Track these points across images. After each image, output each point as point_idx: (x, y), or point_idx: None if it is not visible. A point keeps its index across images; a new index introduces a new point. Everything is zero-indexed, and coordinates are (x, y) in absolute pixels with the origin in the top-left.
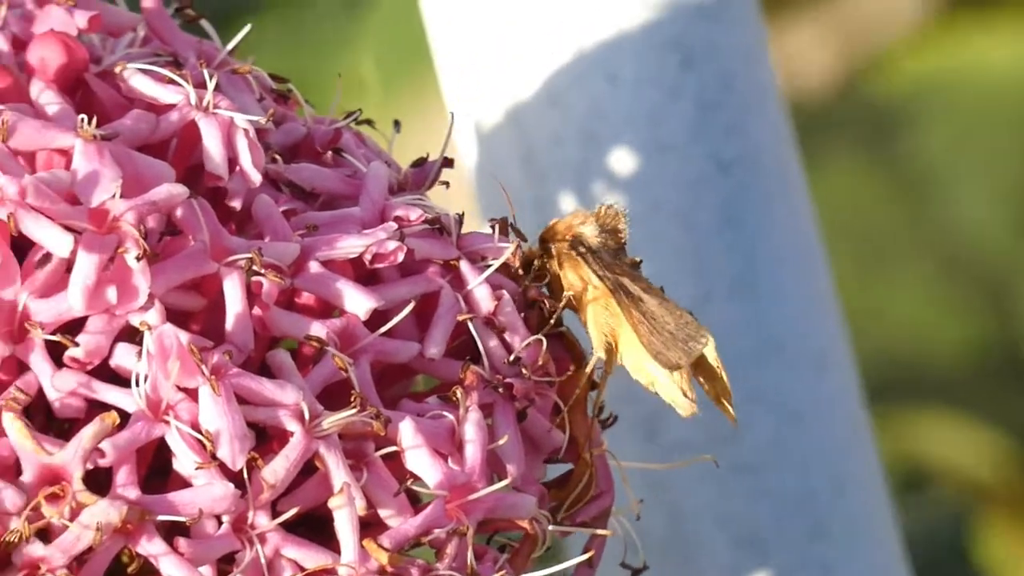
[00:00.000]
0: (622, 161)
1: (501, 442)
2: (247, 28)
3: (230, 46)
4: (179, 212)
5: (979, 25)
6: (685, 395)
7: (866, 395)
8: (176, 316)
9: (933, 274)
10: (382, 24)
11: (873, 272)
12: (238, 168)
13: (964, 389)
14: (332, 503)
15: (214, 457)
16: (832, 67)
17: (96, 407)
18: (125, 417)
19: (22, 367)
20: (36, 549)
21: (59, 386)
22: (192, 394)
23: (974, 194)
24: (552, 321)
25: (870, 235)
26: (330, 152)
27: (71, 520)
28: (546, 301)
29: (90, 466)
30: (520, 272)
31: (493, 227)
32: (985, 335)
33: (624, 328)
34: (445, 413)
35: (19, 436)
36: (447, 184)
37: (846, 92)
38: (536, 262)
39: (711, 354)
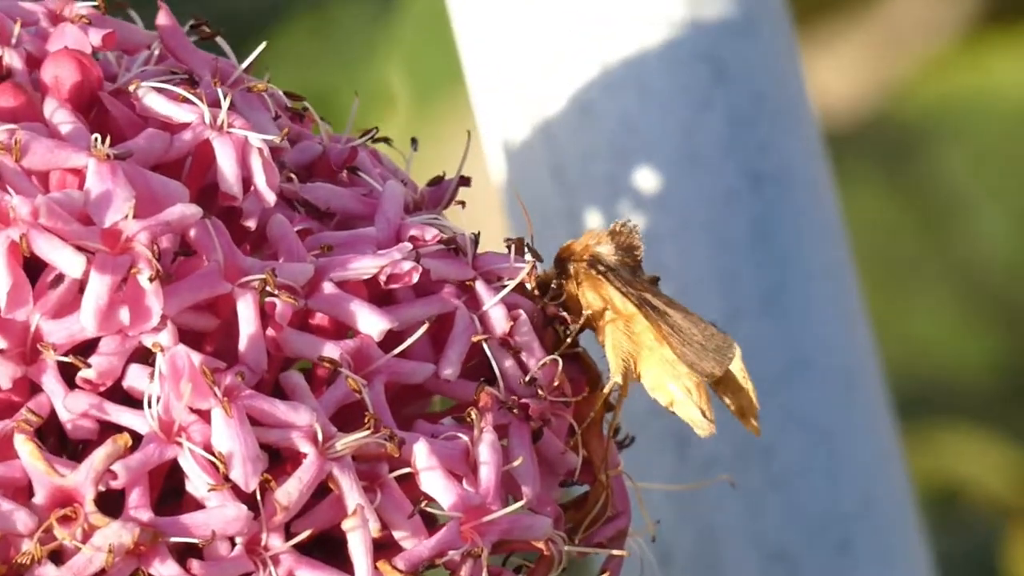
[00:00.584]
0: (653, 175)
1: (516, 463)
2: (262, 46)
3: (245, 64)
4: (193, 232)
5: (1002, 47)
6: (704, 415)
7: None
8: (189, 337)
9: (954, 295)
10: (412, 37)
11: (895, 293)
12: (252, 188)
13: (986, 408)
14: (346, 525)
15: (227, 479)
16: (856, 90)
17: (108, 429)
18: (138, 439)
19: (34, 388)
20: (48, 571)
21: (71, 407)
22: (205, 416)
23: (995, 216)
24: (568, 341)
25: (892, 256)
26: (346, 171)
27: (83, 542)
28: (563, 318)
29: (102, 488)
30: (536, 292)
31: (509, 247)
32: (1006, 355)
33: (645, 348)
34: (460, 434)
35: (31, 458)
36: (463, 204)
37: (869, 114)
38: (553, 282)
39: (737, 366)
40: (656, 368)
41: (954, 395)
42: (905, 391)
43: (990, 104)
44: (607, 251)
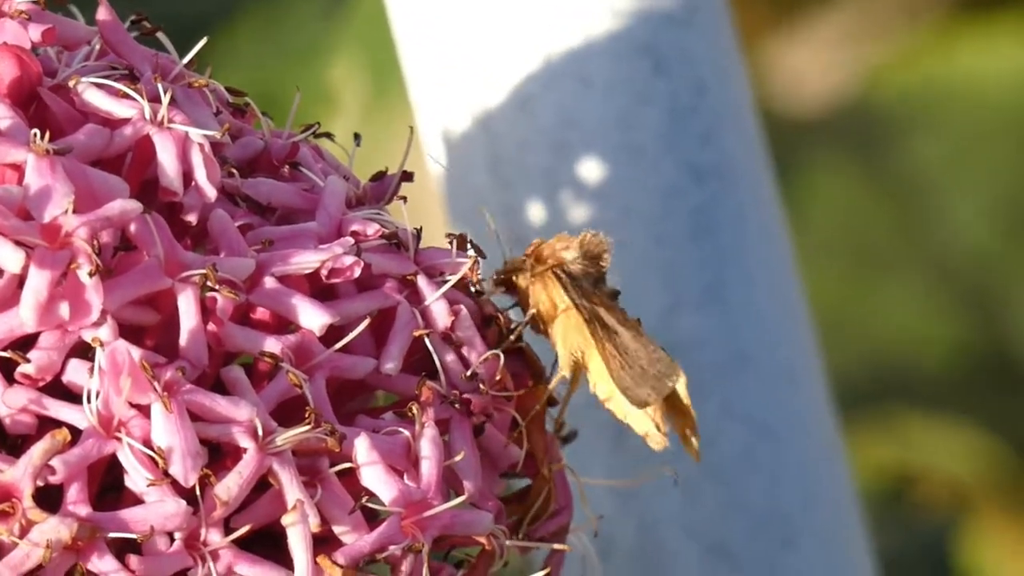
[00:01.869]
0: (592, 168)
1: (457, 458)
2: (203, 41)
3: (186, 59)
4: (133, 227)
5: (974, 36)
6: (658, 429)
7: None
8: (130, 332)
9: (924, 281)
10: (364, 32)
11: (865, 279)
12: (193, 183)
13: (954, 394)
14: (285, 520)
15: (166, 474)
16: (831, 76)
17: (47, 424)
18: (77, 434)
19: None
20: None
21: (10, 402)
22: (144, 411)
23: (965, 202)
24: (512, 337)
25: (862, 242)
26: (287, 166)
27: (21, 537)
28: (502, 317)
29: (41, 483)
30: (477, 288)
31: (451, 241)
32: (975, 341)
33: (595, 355)
34: (401, 429)
35: None
36: (404, 199)
37: (840, 101)
38: (506, 277)
39: (682, 391)
40: (608, 379)
41: (923, 382)
42: (874, 378)
43: (963, 93)
44: (572, 257)
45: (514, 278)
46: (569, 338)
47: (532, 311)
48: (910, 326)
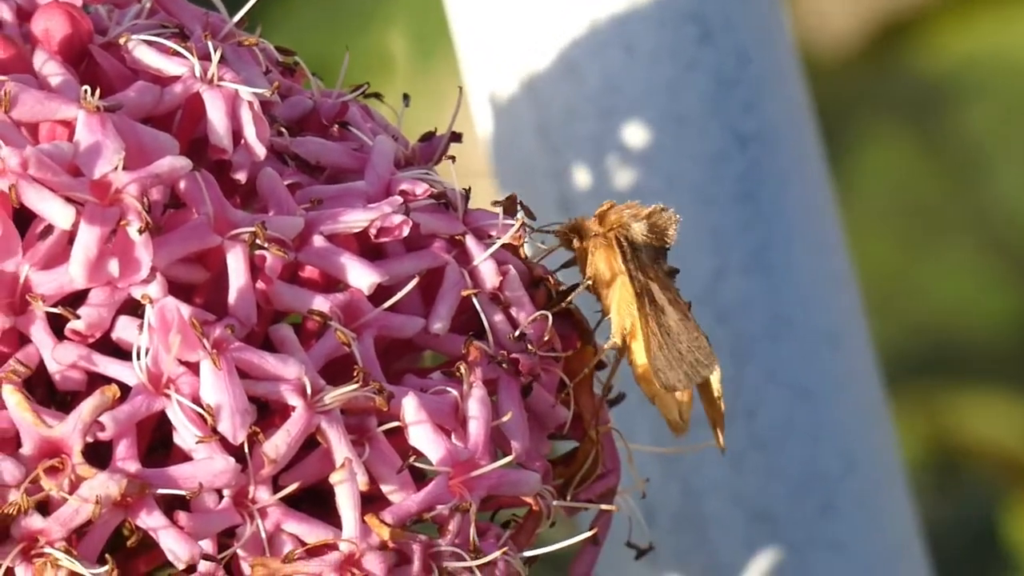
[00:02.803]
0: (638, 134)
1: (505, 418)
2: (252, 1)
3: (236, 18)
4: (182, 185)
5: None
6: (681, 416)
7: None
8: (179, 289)
9: (976, 250)
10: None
11: (917, 248)
12: (243, 141)
13: (1007, 365)
14: (333, 478)
15: (215, 431)
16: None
17: (97, 380)
18: (126, 390)
19: (23, 339)
20: (35, 522)
21: (60, 359)
22: (193, 368)
23: (1018, 171)
24: (560, 299)
25: (914, 211)
26: (336, 126)
27: (70, 493)
28: (551, 279)
29: (90, 439)
30: (524, 252)
31: (500, 204)
32: None
33: (639, 329)
34: (449, 389)
35: (18, 408)
36: (453, 159)
37: (888, 67)
38: (568, 233)
39: (715, 382)
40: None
41: (976, 353)
42: (927, 348)
43: (1015, 61)
44: (639, 228)
45: (574, 237)
46: (622, 307)
47: (588, 281)
48: (963, 296)
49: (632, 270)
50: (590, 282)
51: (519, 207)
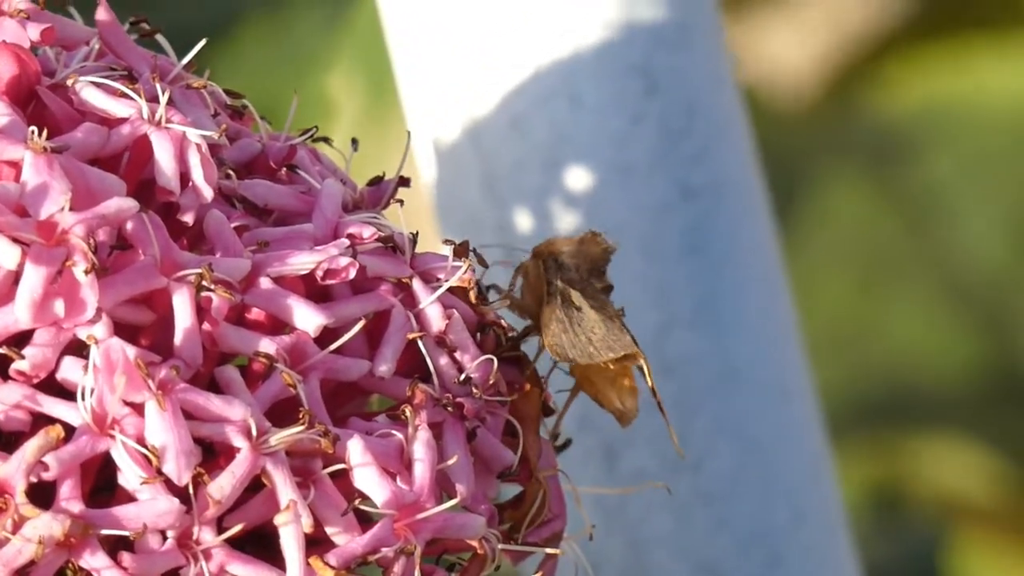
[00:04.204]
0: (584, 186)
1: (451, 462)
2: (201, 43)
3: (184, 61)
4: (129, 226)
5: (988, 53)
6: (623, 404)
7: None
8: (125, 330)
9: (934, 295)
10: (358, 44)
11: (875, 294)
12: (190, 183)
13: (963, 410)
14: (278, 520)
15: (160, 472)
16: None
17: (41, 421)
18: (71, 431)
19: None
20: None
21: (4, 399)
22: (139, 409)
23: (976, 216)
24: (511, 344)
25: (871, 256)
26: (284, 169)
27: (13, 533)
28: (501, 324)
29: (34, 479)
30: (475, 296)
31: (448, 244)
32: (985, 357)
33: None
34: (394, 432)
35: None
36: (401, 202)
37: (848, 111)
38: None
39: (646, 372)
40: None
41: (935, 399)
42: (886, 395)
43: (974, 105)
44: (568, 251)
45: (522, 273)
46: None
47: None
48: (921, 341)
49: (550, 278)
50: (514, 299)
51: (470, 252)
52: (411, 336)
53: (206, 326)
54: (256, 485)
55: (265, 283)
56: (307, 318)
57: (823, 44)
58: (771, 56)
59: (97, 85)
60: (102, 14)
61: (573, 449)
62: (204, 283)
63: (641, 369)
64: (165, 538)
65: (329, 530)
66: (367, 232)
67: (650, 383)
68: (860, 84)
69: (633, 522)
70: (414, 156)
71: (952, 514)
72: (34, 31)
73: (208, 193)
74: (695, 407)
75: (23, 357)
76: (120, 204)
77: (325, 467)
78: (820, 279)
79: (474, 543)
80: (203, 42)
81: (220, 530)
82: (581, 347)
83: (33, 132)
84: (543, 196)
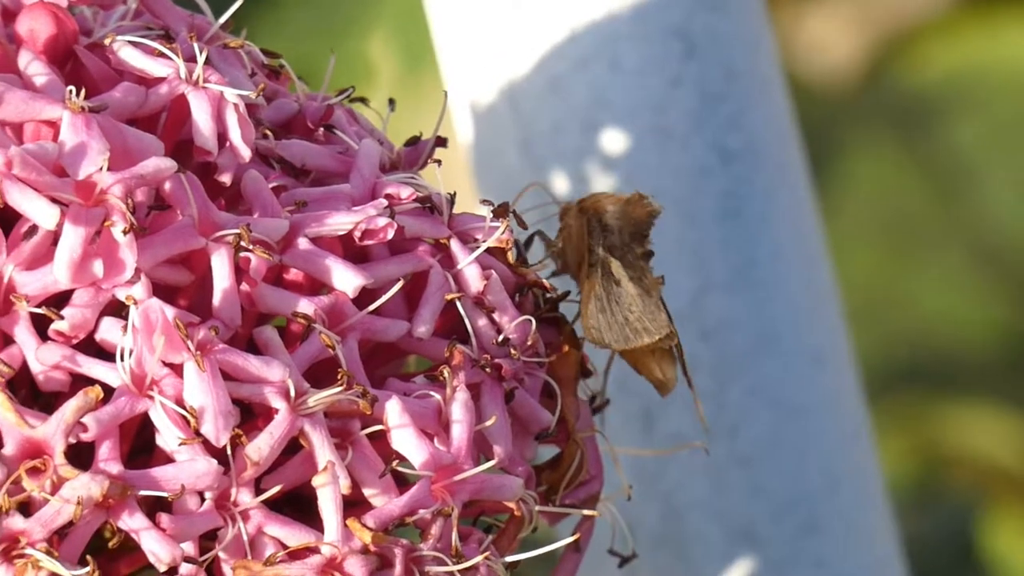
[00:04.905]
0: (622, 149)
1: (488, 423)
2: (239, 2)
3: (222, 20)
4: (167, 186)
5: (1014, 17)
6: (664, 374)
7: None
8: (163, 291)
9: (963, 263)
10: (396, 8)
11: (904, 261)
12: (228, 143)
13: (992, 377)
14: (316, 481)
15: (198, 433)
16: (858, 50)
17: (80, 381)
18: (109, 392)
19: (6, 340)
20: (16, 522)
21: (43, 359)
22: (177, 369)
23: (1005, 183)
24: (550, 306)
25: (901, 223)
26: (322, 129)
27: (52, 494)
28: (542, 283)
29: (73, 440)
30: (513, 257)
31: (486, 203)
32: (1015, 322)
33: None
34: (432, 393)
35: (1, 408)
36: (438, 163)
37: (878, 80)
38: (562, 223)
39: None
40: None
41: (962, 365)
42: (912, 361)
43: (1001, 72)
44: (612, 211)
45: (564, 224)
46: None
47: (558, 246)
48: (948, 308)
49: (592, 243)
50: (557, 248)
51: (511, 213)
52: (449, 297)
53: (244, 286)
54: (294, 446)
55: (303, 243)
56: (345, 278)
57: (859, 18)
58: (807, 29)
59: (134, 44)
60: None
61: (612, 412)
62: (242, 243)
63: (677, 349)
64: (203, 499)
65: (367, 491)
66: (405, 192)
67: (683, 365)
68: (891, 55)
69: (669, 486)
70: (451, 118)
71: (985, 481)
72: None
73: (246, 153)
74: (732, 372)
75: (62, 318)
76: (158, 164)
77: (363, 428)
78: (850, 247)
79: (511, 505)
80: (240, 1)
81: (258, 491)
82: (618, 329)
83: (71, 92)
84: (580, 158)
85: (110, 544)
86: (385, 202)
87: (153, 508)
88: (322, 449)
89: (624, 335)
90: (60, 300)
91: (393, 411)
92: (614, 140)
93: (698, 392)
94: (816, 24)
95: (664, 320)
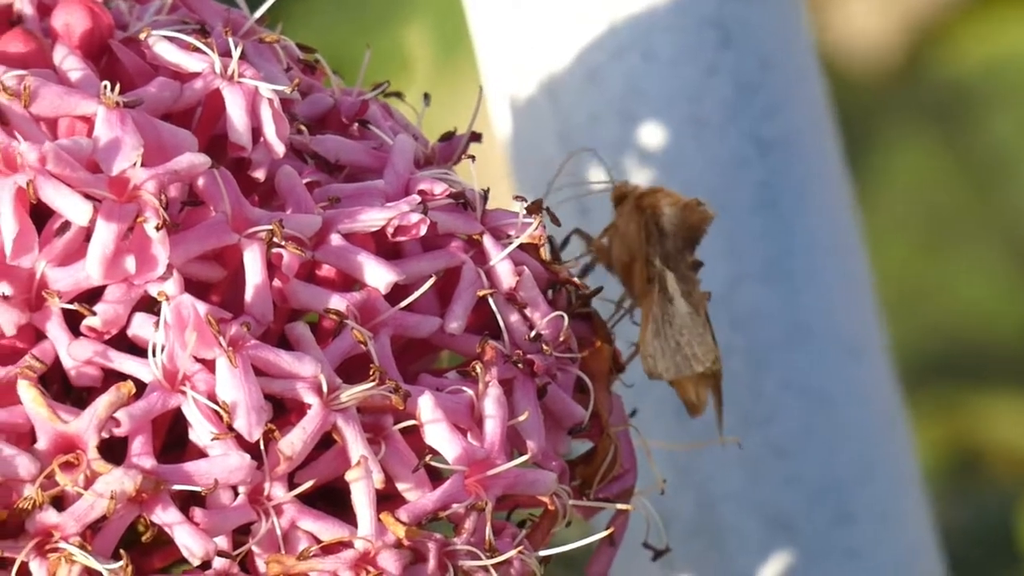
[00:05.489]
0: (658, 139)
1: (521, 418)
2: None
3: (257, 14)
4: (201, 182)
5: None
6: (698, 397)
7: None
8: (195, 287)
9: (998, 255)
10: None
11: (938, 252)
12: (262, 138)
13: None
14: (349, 476)
15: (231, 428)
16: (895, 39)
17: (112, 377)
18: (141, 387)
19: (39, 335)
20: (50, 516)
21: (75, 355)
22: (209, 365)
23: None
24: (582, 302)
25: (936, 215)
26: (356, 124)
27: (85, 488)
28: (574, 282)
29: (105, 435)
30: (546, 253)
31: (519, 200)
32: None
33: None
34: (464, 388)
35: (34, 404)
36: (472, 158)
37: (914, 70)
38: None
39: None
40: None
41: (996, 357)
42: (946, 353)
43: None
44: (670, 215)
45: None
46: (632, 277)
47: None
48: (984, 299)
49: (651, 253)
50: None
51: (544, 210)
52: (482, 293)
53: (277, 282)
54: (327, 441)
55: (336, 239)
56: (378, 274)
57: (895, 7)
58: (843, 18)
59: (170, 39)
60: None
61: (644, 403)
62: (275, 239)
63: (716, 375)
64: (236, 494)
65: (400, 486)
66: (438, 188)
67: (719, 391)
68: (928, 44)
69: (704, 478)
70: (487, 111)
71: (1018, 471)
72: None
73: (280, 149)
74: (766, 362)
75: (94, 313)
76: (192, 160)
77: (396, 423)
78: (884, 238)
79: (545, 499)
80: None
81: (291, 486)
82: (670, 355)
83: (106, 87)
84: (617, 149)
85: (143, 538)
86: (418, 198)
87: (186, 503)
88: (355, 444)
89: (675, 363)
90: (92, 296)
91: (426, 406)
92: (651, 130)
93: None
94: (853, 13)
95: (710, 343)
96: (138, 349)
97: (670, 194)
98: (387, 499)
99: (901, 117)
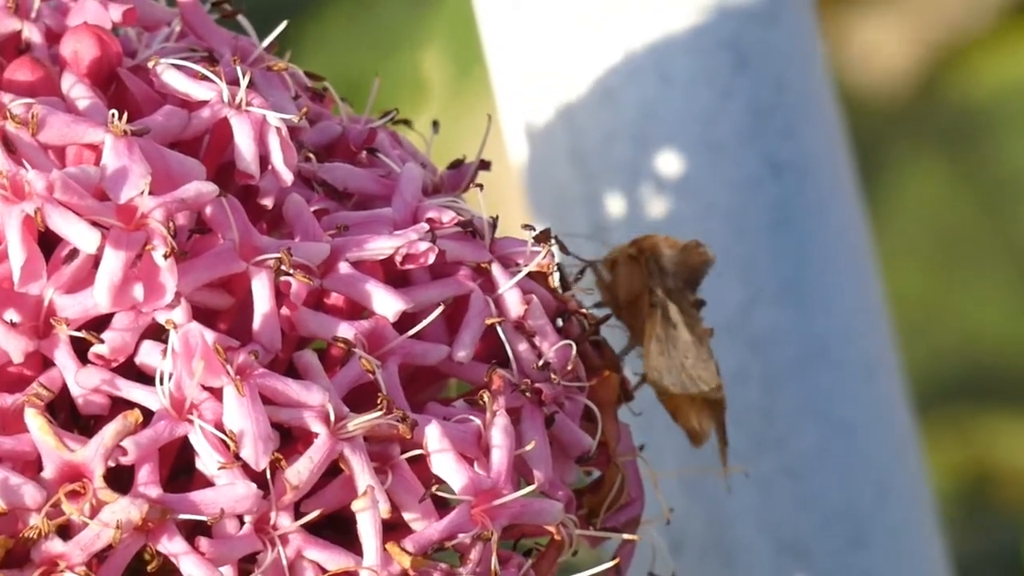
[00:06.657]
0: (674, 162)
1: (528, 448)
2: (282, 25)
3: (265, 43)
4: (208, 210)
5: None
6: (700, 426)
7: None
8: (203, 315)
9: (1011, 278)
10: (447, 23)
11: (952, 274)
12: (270, 166)
13: None
14: (356, 505)
15: (237, 457)
16: (910, 63)
17: (120, 405)
18: (149, 415)
19: (46, 363)
20: (55, 546)
21: (83, 383)
22: (217, 394)
23: None
24: (591, 331)
25: (950, 238)
26: (365, 152)
27: (91, 517)
28: (583, 312)
29: (112, 464)
30: (554, 282)
31: (527, 228)
32: None
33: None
34: (472, 417)
35: (40, 432)
36: (480, 187)
37: (928, 95)
38: (611, 259)
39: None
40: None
41: (1009, 380)
42: (960, 376)
43: None
44: (669, 255)
45: (616, 261)
46: (637, 318)
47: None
48: (996, 324)
49: (652, 284)
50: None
51: (551, 239)
52: (490, 321)
53: (285, 311)
54: (334, 470)
55: (344, 267)
56: (386, 303)
57: (910, 30)
58: (858, 41)
59: (178, 67)
60: None
61: (655, 425)
62: (283, 267)
63: (720, 403)
64: (242, 523)
65: (406, 515)
66: (447, 216)
67: (722, 421)
68: (942, 68)
69: (717, 498)
70: (500, 135)
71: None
72: (116, 12)
73: (288, 177)
74: (780, 384)
75: (102, 341)
76: (199, 188)
77: (403, 452)
78: (897, 262)
79: (551, 529)
80: (284, 24)
81: (297, 515)
82: (675, 373)
83: (114, 115)
84: (632, 171)
85: (149, 568)
86: (427, 226)
87: (192, 532)
88: (362, 473)
89: (681, 380)
90: (100, 324)
91: (433, 435)
92: (666, 153)
93: (747, 400)
94: (867, 36)
95: (714, 371)
96: (146, 377)
97: (667, 238)
98: (393, 528)
99: (915, 141)
